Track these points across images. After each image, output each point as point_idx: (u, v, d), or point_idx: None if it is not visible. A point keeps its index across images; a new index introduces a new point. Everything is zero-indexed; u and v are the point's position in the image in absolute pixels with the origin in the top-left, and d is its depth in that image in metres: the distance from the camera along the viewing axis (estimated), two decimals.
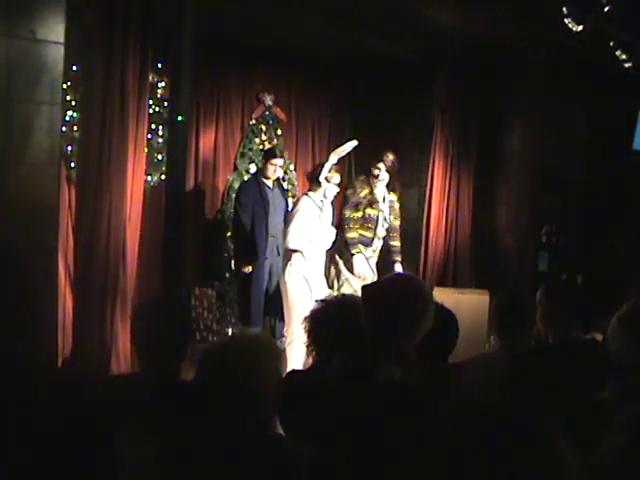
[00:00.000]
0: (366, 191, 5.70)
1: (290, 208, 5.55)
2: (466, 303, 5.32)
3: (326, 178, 5.26)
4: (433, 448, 1.07)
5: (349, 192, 5.78)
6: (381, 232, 5.79)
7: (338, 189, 5.45)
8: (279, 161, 5.79)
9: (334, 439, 2.06)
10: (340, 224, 5.69)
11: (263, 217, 5.68)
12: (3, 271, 3.37)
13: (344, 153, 5.44)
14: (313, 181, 5.31)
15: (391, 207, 5.86)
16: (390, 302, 2.14)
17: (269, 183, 5.80)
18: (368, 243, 5.70)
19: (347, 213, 5.67)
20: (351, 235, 5.61)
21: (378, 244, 5.80)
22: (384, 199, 5.79)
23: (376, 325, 2.15)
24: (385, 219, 5.79)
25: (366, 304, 2.20)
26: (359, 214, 5.64)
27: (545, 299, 3.20)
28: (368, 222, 5.68)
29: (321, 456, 1.92)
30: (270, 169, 5.73)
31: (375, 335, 2.16)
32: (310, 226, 5.15)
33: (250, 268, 5.67)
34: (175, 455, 1.87)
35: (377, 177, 5.71)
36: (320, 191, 5.26)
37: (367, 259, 5.69)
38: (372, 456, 1.98)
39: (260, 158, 6.58)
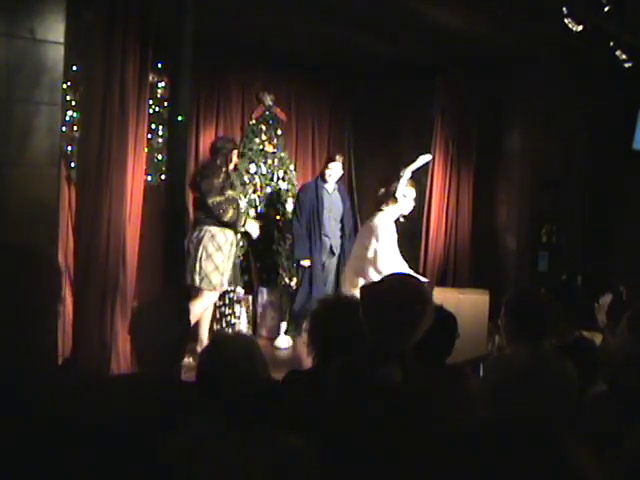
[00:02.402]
0: (223, 176, 5.55)
1: (371, 222, 5.48)
2: (466, 303, 5.32)
3: (403, 194, 5.38)
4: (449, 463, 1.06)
5: (206, 182, 5.46)
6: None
7: (414, 204, 5.58)
8: (334, 165, 6.09)
9: (334, 439, 2.06)
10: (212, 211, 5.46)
11: (316, 218, 6.02)
12: (3, 271, 3.37)
13: (418, 166, 5.64)
14: (389, 197, 5.41)
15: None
16: (388, 302, 2.14)
17: (328, 187, 6.13)
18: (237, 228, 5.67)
19: (217, 199, 5.41)
20: (230, 214, 5.47)
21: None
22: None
23: (375, 325, 2.15)
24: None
25: (364, 304, 2.20)
26: (223, 197, 5.44)
27: (550, 299, 3.19)
28: (233, 203, 5.57)
29: (321, 456, 1.92)
30: (326, 173, 6.10)
31: (374, 335, 2.16)
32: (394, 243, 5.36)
33: (308, 262, 6.02)
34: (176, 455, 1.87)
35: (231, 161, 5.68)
36: (395, 206, 5.40)
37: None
38: (372, 456, 1.98)
39: (260, 158, 6.60)
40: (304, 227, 6.04)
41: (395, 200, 5.36)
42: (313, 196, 6.08)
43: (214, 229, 5.41)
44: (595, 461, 1.11)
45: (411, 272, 5.22)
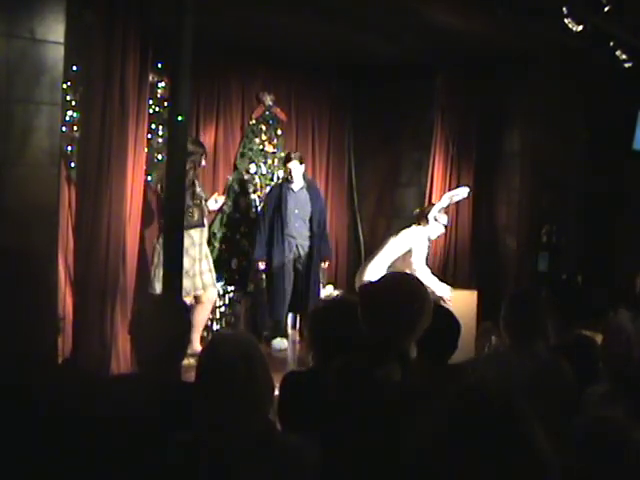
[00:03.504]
0: (187, 183, 5.36)
1: (396, 236, 5.68)
2: (454, 302, 5.32)
3: (434, 217, 5.59)
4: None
5: None
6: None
7: (444, 230, 5.82)
8: (291, 164, 5.99)
9: (334, 439, 2.06)
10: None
11: (279, 219, 5.96)
12: (3, 271, 3.37)
13: (457, 198, 5.89)
14: (421, 218, 5.63)
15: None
16: (387, 302, 2.14)
17: (293, 186, 6.04)
18: (201, 225, 5.53)
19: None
20: (196, 218, 5.44)
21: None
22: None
23: (374, 325, 2.15)
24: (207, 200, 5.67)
25: (363, 304, 2.20)
26: (190, 204, 5.34)
27: (550, 299, 3.20)
28: (196, 207, 5.48)
29: (321, 456, 1.92)
30: (288, 172, 6.03)
31: (373, 335, 2.16)
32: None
33: (263, 265, 5.99)
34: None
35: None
36: (424, 227, 5.61)
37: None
38: (372, 456, 1.98)
39: (260, 158, 6.61)
40: (266, 229, 5.97)
41: (426, 221, 5.58)
42: (276, 197, 6.01)
43: None
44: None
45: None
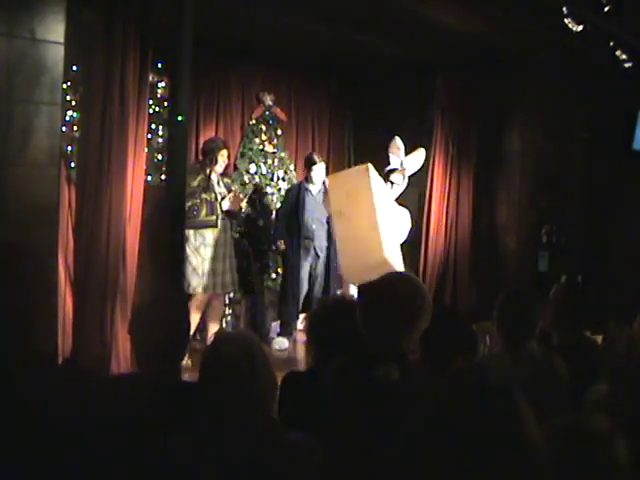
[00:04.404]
0: (200, 178, 5.45)
1: None
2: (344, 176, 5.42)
3: (383, 177, 5.64)
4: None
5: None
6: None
7: (400, 189, 5.91)
8: (317, 167, 5.98)
9: (334, 439, 2.06)
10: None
11: (296, 220, 5.96)
12: (3, 271, 3.37)
13: (413, 162, 5.92)
14: None
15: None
16: (386, 301, 2.14)
17: (312, 189, 6.03)
18: (213, 225, 5.45)
19: (189, 203, 5.25)
20: (203, 214, 5.40)
21: (223, 222, 5.53)
22: (218, 182, 5.58)
23: (373, 325, 2.15)
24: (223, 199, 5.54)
25: (362, 303, 2.20)
26: (197, 200, 5.35)
27: (560, 298, 3.19)
28: (207, 204, 5.42)
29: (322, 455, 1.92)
30: (312, 176, 6.00)
31: (372, 335, 2.16)
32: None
33: (283, 245, 6.00)
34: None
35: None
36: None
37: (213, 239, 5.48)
38: (371, 455, 1.98)
39: (260, 158, 6.61)
40: (283, 221, 6.01)
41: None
42: (294, 197, 5.99)
43: (187, 232, 5.20)
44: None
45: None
